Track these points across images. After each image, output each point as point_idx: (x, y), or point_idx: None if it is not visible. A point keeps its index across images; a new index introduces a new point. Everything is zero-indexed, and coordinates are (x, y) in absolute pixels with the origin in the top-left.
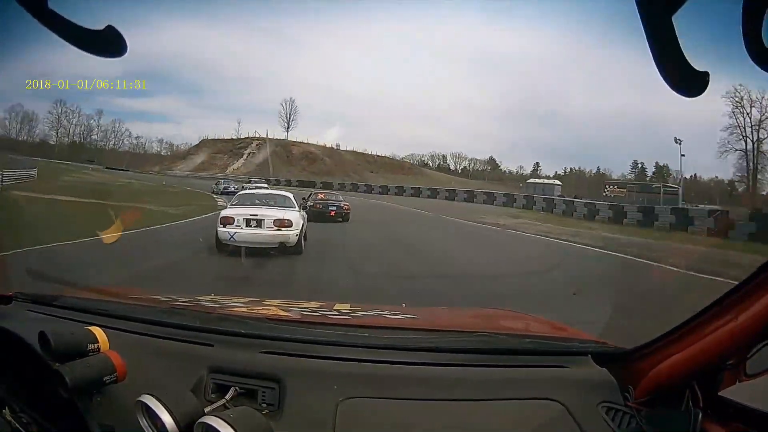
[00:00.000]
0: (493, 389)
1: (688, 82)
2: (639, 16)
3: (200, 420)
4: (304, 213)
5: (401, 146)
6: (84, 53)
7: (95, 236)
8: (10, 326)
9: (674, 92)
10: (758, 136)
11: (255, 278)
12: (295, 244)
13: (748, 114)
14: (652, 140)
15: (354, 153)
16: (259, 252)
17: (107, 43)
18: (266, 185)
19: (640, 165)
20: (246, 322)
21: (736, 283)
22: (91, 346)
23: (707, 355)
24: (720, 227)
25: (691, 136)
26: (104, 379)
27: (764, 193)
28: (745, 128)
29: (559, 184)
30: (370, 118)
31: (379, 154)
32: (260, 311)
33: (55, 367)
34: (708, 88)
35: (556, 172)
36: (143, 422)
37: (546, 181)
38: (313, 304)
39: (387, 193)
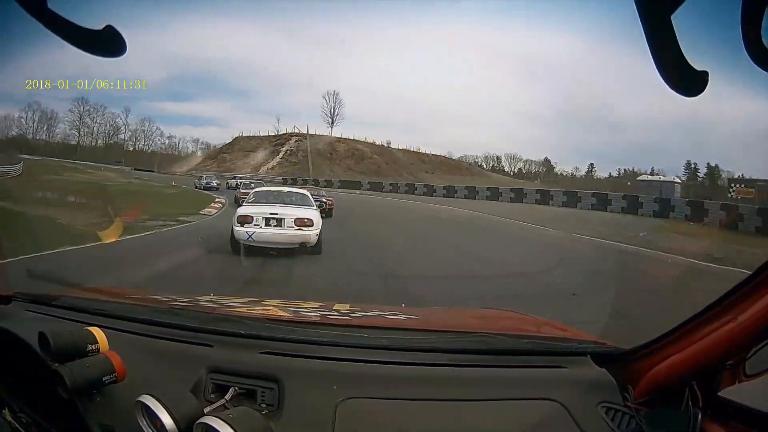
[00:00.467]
0: (492, 389)
1: (688, 82)
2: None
3: (200, 420)
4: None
5: (450, 149)
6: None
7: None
8: (10, 326)
9: (674, 92)
10: None
11: (285, 283)
12: (315, 244)
13: None
14: (700, 140)
15: (406, 151)
16: (281, 253)
17: (106, 42)
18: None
19: (693, 165)
20: (245, 323)
21: None
22: (90, 347)
23: (707, 355)
24: None
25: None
26: (104, 379)
27: None
28: None
29: (678, 182)
30: (416, 120)
31: (434, 152)
32: (259, 311)
33: (55, 367)
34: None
35: (610, 173)
36: (143, 422)
37: (663, 179)
38: (313, 305)
39: (453, 196)
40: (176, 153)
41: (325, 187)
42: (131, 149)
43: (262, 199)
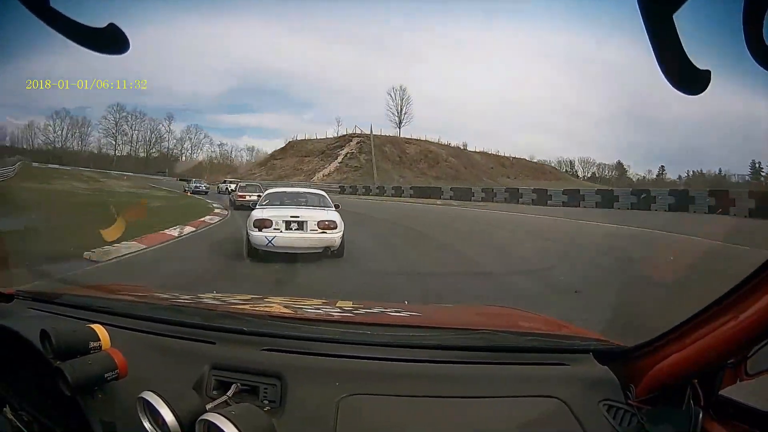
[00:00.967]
0: (494, 386)
1: (690, 80)
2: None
3: (202, 417)
4: None
5: (522, 153)
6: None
7: None
8: (12, 324)
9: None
10: None
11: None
12: (339, 247)
13: None
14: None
15: (484, 154)
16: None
17: (109, 41)
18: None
19: (757, 165)
20: (248, 320)
21: None
22: (92, 344)
23: (708, 354)
24: None
25: None
26: (105, 376)
27: None
28: None
29: None
30: (485, 126)
31: (515, 156)
32: (262, 309)
33: (57, 364)
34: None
35: (680, 175)
36: (144, 419)
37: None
38: (315, 302)
39: (546, 203)
40: (228, 162)
41: (393, 195)
42: (181, 158)
43: (276, 200)
